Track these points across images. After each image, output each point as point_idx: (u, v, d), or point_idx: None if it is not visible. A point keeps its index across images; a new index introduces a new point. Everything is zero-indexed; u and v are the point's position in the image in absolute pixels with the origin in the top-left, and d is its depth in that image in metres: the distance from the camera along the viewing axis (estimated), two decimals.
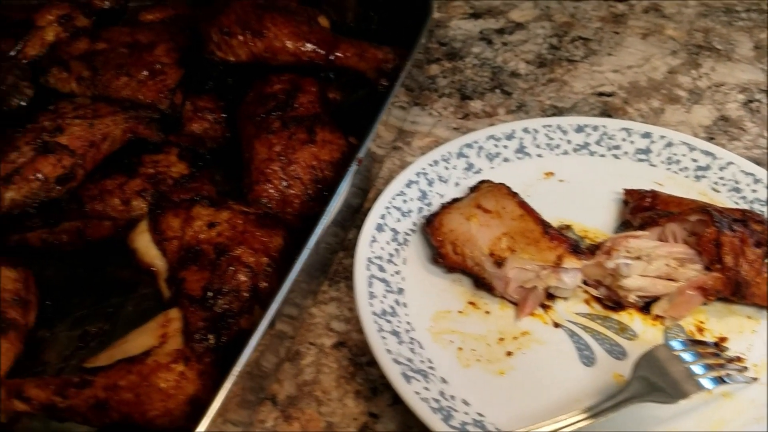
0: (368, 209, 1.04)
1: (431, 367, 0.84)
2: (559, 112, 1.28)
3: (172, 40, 1.15)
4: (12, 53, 1.10)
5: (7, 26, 1.18)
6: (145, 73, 1.08)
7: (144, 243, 0.88)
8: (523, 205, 0.96)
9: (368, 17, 1.40)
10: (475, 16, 1.56)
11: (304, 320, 0.94)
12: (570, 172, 1.11)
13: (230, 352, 0.78)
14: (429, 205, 1.05)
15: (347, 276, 1.00)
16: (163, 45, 1.12)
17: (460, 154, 1.11)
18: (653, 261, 0.90)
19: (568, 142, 1.14)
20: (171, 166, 1.04)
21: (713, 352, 0.83)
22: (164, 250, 0.86)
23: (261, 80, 1.13)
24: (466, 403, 0.80)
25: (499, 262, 0.91)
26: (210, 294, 0.81)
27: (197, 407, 0.75)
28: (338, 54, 1.10)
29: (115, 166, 1.01)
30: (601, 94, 1.32)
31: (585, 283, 0.93)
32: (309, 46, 1.09)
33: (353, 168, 0.94)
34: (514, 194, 0.98)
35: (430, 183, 1.07)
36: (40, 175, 0.91)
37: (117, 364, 0.74)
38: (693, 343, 0.83)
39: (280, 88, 1.11)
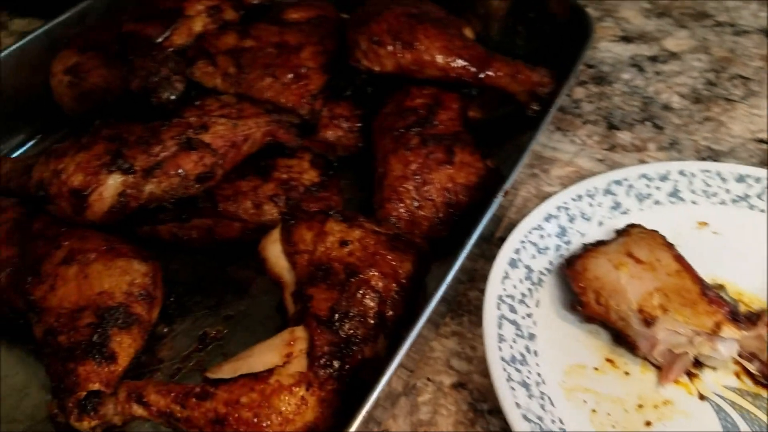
0: (500, 239, 0.98)
1: (563, 429, 0.77)
2: (715, 155, 1.17)
3: (320, 43, 1.13)
4: (159, 40, 1.11)
5: (156, 12, 1.20)
6: (290, 76, 1.06)
7: (275, 253, 0.86)
8: (680, 259, 0.87)
9: (515, 31, 1.33)
10: (626, 39, 1.46)
11: (424, 353, 0.89)
12: (726, 224, 1.00)
13: (353, 381, 0.75)
14: (568, 243, 0.97)
15: (471, 310, 0.94)
16: (311, 48, 1.10)
17: (608, 191, 1.02)
18: None
19: (727, 191, 1.02)
20: (303, 173, 1.02)
21: None
22: (294, 263, 0.84)
23: (401, 92, 1.09)
24: None
25: (649, 321, 0.82)
26: (337, 316, 0.77)
27: None
28: (489, 73, 1.04)
29: (250, 168, 1.00)
30: (761, 140, 1.19)
31: (739, 354, 0.83)
32: (460, 63, 1.04)
33: (498, 200, 0.88)
34: (670, 245, 0.89)
35: (572, 219, 0.99)
36: (181, 171, 0.91)
37: (240, 379, 0.72)
38: None
39: (421, 103, 1.07)
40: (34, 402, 0.84)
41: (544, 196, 1.10)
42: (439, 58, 1.03)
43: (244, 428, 0.70)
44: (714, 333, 0.80)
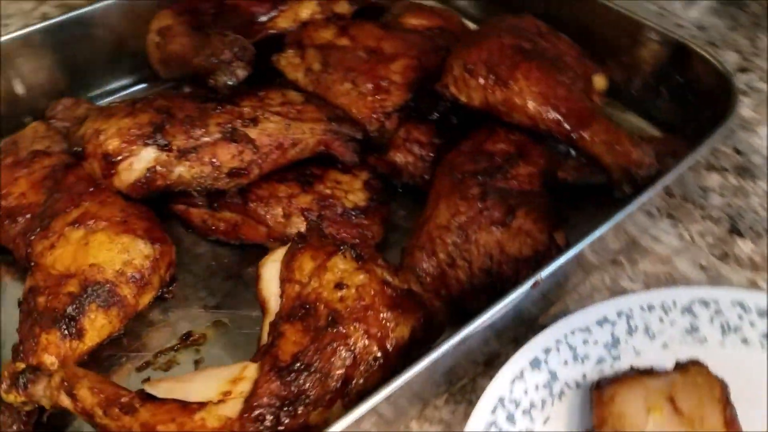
0: (541, 326, 0.83)
1: None
2: None
3: (416, 57, 1.03)
4: (263, 19, 1.07)
5: None
6: (370, 86, 0.98)
7: (271, 274, 0.79)
8: (731, 424, 0.68)
9: (657, 91, 1.14)
10: None
11: (396, 430, 0.78)
12: None
13: None
14: (616, 359, 0.81)
15: (472, 400, 0.81)
16: (404, 61, 1.01)
17: (688, 310, 0.83)
18: None
19: None
20: (350, 193, 0.94)
21: None
22: (283, 291, 0.76)
23: (486, 130, 0.97)
24: None
25: None
26: (297, 366, 0.69)
27: None
28: (584, 135, 0.88)
29: (295, 173, 0.94)
30: None
31: None
32: (553, 115, 0.89)
33: (525, 289, 0.74)
34: (728, 404, 0.70)
35: (631, 331, 0.82)
36: (215, 161, 0.87)
37: (168, 403, 0.67)
38: None
39: (501, 149, 0.94)
40: (7, 353, 0.83)
41: (617, 292, 0.93)
42: (531, 105, 0.90)
43: None
44: None
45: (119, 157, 0.85)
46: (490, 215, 0.86)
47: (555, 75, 0.93)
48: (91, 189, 0.88)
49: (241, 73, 0.88)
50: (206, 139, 0.87)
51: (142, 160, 0.86)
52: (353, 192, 0.95)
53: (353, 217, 0.92)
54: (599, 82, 1.08)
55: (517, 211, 0.87)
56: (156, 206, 0.93)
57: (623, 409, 0.71)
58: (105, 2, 1.14)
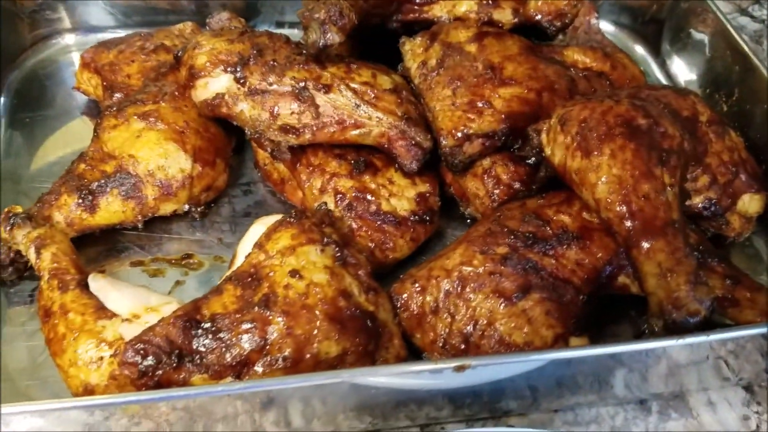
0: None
1: None
2: None
3: (538, 91, 0.92)
4: (420, 0, 1.03)
5: None
6: (466, 101, 0.90)
7: (254, 234, 0.79)
8: None
9: None
10: None
11: None
12: None
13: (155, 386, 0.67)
14: None
15: None
16: (517, 89, 0.91)
17: None
18: None
19: None
20: (393, 198, 0.89)
21: None
22: (250, 254, 0.76)
23: (565, 196, 0.85)
24: None
25: None
26: (208, 325, 0.68)
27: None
28: (642, 244, 0.73)
29: (355, 153, 0.91)
30: None
31: None
32: (620, 208, 0.74)
33: (449, 366, 0.64)
34: None
35: None
36: (274, 110, 0.87)
37: (90, 298, 0.72)
38: None
39: (562, 222, 0.81)
40: None
41: None
42: (602, 187, 0.76)
43: (51, 336, 0.70)
44: None
45: (201, 74, 0.89)
46: (499, 282, 0.76)
47: (651, 166, 0.77)
48: (176, 93, 0.93)
49: (332, 37, 0.86)
50: (276, 87, 0.87)
51: (216, 84, 0.89)
52: (399, 198, 0.89)
53: (382, 222, 0.87)
54: (751, 204, 0.89)
55: (532, 292, 0.76)
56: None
57: None
58: None
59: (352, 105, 0.87)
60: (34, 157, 1.00)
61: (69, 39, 1.20)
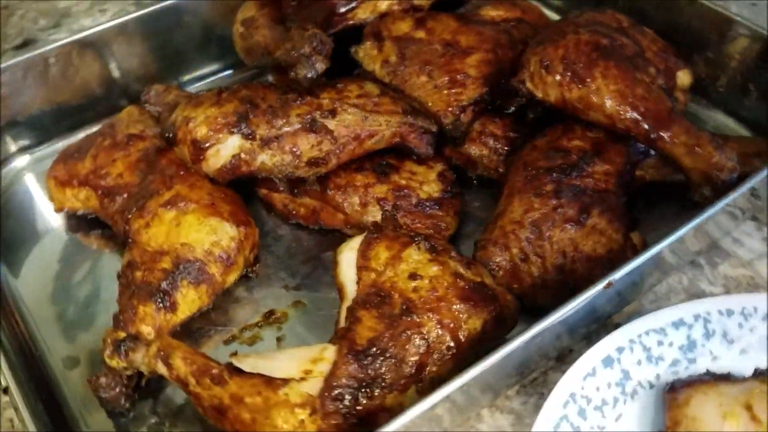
0: (615, 325, 0.83)
1: None
2: None
3: (492, 51, 1.03)
4: (342, 10, 1.10)
5: None
6: (446, 79, 0.99)
7: (348, 261, 0.82)
8: None
9: (746, 89, 1.11)
10: None
11: (468, 418, 0.80)
12: None
13: (361, 424, 0.70)
14: (692, 362, 0.80)
15: (543, 393, 0.82)
16: (479, 55, 1.02)
17: None
18: None
19: None
20: (424, 184, 0.96)
21: None
22: (359, 278, 0.79)
23: (563, 127, 0.97)
24: None
25: None
26: (373, 350, 0.72)
27: None
28: (663, 135, 0.87)
29: (373, 162, 0.97)
30: None
31: None
32: (631, 115, 0.88)
33: (598, 289, 0.74)
34: None
35: (708, 335, 0.81)
36: (296, 150, 0.90)
37: (255, 377, 0.71)
38: None
39: (577, 146, 0.93)
40: (109, 319, 0.89)
41: (695, 294, 0.92)
42: (609, 104, 0.89)
43: (239, 427, 0.69)
44: None
45: (207, 144, 0.89)
46: (564, 213, 0.87)
47: (634, 73, 0.92)
48: (182, 172, 0.93)
49: (320, 66, 0.91)
50: (287, 129, 0.90)
51: (228, 147, 0.90)
52: (428, 183, 0.96)
53: (427, 208, 0.94)
54: (684, 78, 1.05)
55: (591, 209, 0.87)
56: (240, 190, 0.98)
57: (698, 414, 0.71)
58: None
59: (360, 119, 0.93)
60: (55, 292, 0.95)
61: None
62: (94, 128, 1.07)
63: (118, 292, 0.85)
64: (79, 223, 1.02)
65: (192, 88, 1.24)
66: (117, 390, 0.78)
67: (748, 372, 0.76)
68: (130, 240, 0.87)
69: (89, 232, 1.02)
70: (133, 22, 1.17)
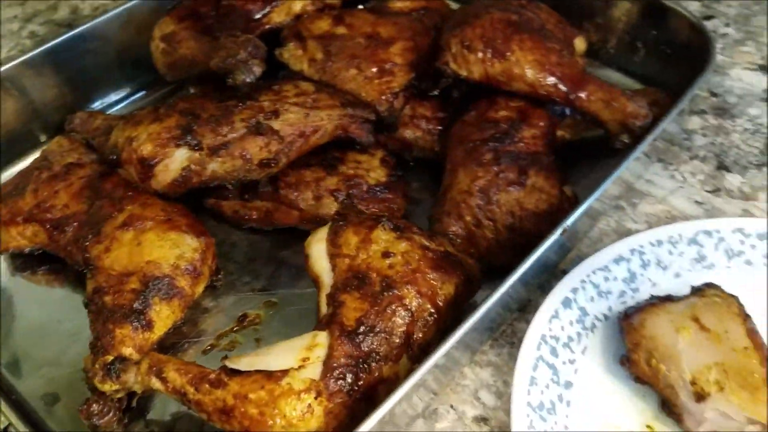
0: (563, 272, 0.91)
1: None
2: None
3: (411, 39, 1.09)
4: (257, 16, 1.13)
5: None
6: (375, 70, 1.04)
7: (318, 252, 0.85)
8: (752, 334, 0.77)
9: (634, 47, 1.23)
10: (765, 69, 1.30)
11: (453, 377, 0.86)
12: None
13: (364, 398, 0.74)
14: (636, 291, 0.89)
15: (514, 342, 0.89)
16: (401, 43, 1.07)
17: (693, 241, 0.92)
18: None
19: None
20: (371, 171, 1.01)
21: None
22: (334, 266, 0.83)
23: (487, 101, 1.04)
24: None
25: (700, 396, 0.74)
26: (362, 329, 0.76)
27: None
28: (581, 95, 0.96)
29: (318, 159, 1.00)
30: None
31: None
32: (551, 80, 0.97)
33: (555, 237, 0.82)
34: (746, 317, 0.79)
35: (645, 265, 0.91)
36: (245, 154, 0.92)
37: (254, 374, 0.73)
38: None
39: (504, 116, 1.01)
40: (79, 350, 0.88)
41: (624, 233, 1.02)
42: (530, 73, 0.97)
43: (248, 423, 0.71)
44: None
45: (154, 161, 0.90)
46: (506, 177, 0.94)
47: (545, 43, 1.01)
48: (130, 193, 0.92)
49: (258, 69, 0.93)
50: (233, 135, 0.92)
51: (176, 161, 0.90)
52: (374, 170, 1.01)
53: (378, 193, 0.98)
54: (580, 44, 1.15)
55: (529, 171, 0.95)
56: (187, 204, 0.98)
57: (654, 332, 0.80)
58: (101, 18, 1.18)
59: (302, 116, 0.96)
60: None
61: None
62: (21, 166, 1.05)
63: (89, 320, 0.84)
64: (23, 262, 0.99)
65: (111, 113, 1.22)
66: (110, 415, 0.77)
67: (685, 292, 0.87)
68: (92, 267, 0.86)
69: (36, 270, 0.99)
70: (40, 56, 1.14)
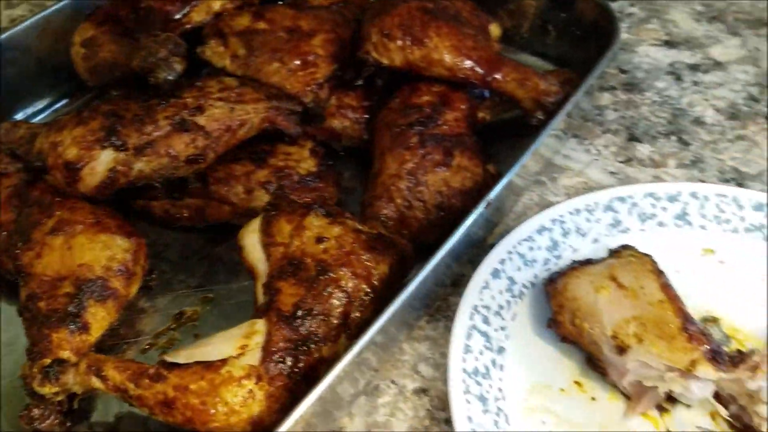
0: (491, 245, 0.95)
1: None
2: (740, 177, 1.10)
3: (333, 30, 1.12)
4: (177, 16, 1.13)
5: None
6: (298, 62, 1.06)
7: (252, 242, 0.86)
8: (666, 288, 0.82)
9: (545, 31, 1.29)
10: (669, 44, 1.38)
11: (392, 353, 0.89)
12: (734, 254, 0.95)
13: (305, 379, 0.76)
14: (558, 258, 0.94)
15: (449, 316, 0.93)
16: (323, 35, 1.09)
17: (609, 208, 0.98)
18: None
19: (742, 219, 0.97)
20: (301, 162, 1.02)
21: None
22: (269, 255, 0.84)
23: (410, 87, 1.07)
24: None
25: (621, 349, 0.79)
26: (300, 313, 0.78)
27: (259, 428, 0.73)
28: (497, 77, 1.01)
29: (247, 151, 1.01)
30: None
31: (716, 394, 0.79)
32: (468, 63, 1.01)
33: (479, 210, 0.86)
34: (660, 273, 0.84)
35: (566, 233, 0.96)
36: (171, 152, 0.92)
37: (193, 366, 0.74)
38: None
39: (427, 101, 1.05)
40: (16, 358, 0.87)
41: (546, 206, 1.07)
42: (448, 57, 1.01)
43: (191, 414, 0.72)
44: (688, 371, 0.76)
45: (80, 164, 0.89)
46: (433, 159, 0.97)
47: (461, 29, 1.05)
48: (58, 198, 0.91)
49: (179, 66, 0.94)
50: (158, 133, 0.92)
51: (102, 163, 0.90)
52: (303, 160, 1.03)
53: (309, 183, 1.00)
54: (495, 30, 1.20)
55: (453, 151, 0.99)
56: (118, 208, 0.98)
57: (575, 294, 0.84)
58: (18, 28, 1.16)
59: (227, 111, 0.97)
60: None
61: None
62: None
63: (24, 328, 0.83)
64: None
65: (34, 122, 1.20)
66: (51, 418, 0.77)
67: (603, 255, 0.92)
68: (24, 274, 0.85)
69: None
70: None
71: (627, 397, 0.81)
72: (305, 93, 1.04)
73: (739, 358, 0.78)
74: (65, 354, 0.80)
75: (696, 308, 0.88)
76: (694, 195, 0.99)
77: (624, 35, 1.40)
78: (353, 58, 1.08)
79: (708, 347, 0.76)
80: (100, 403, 0.84)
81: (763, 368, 0.75)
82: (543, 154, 1.11)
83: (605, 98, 1.26)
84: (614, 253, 0.90)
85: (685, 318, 0.79)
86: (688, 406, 0.80)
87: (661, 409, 0.80)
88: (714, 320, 0.89)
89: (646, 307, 0.81)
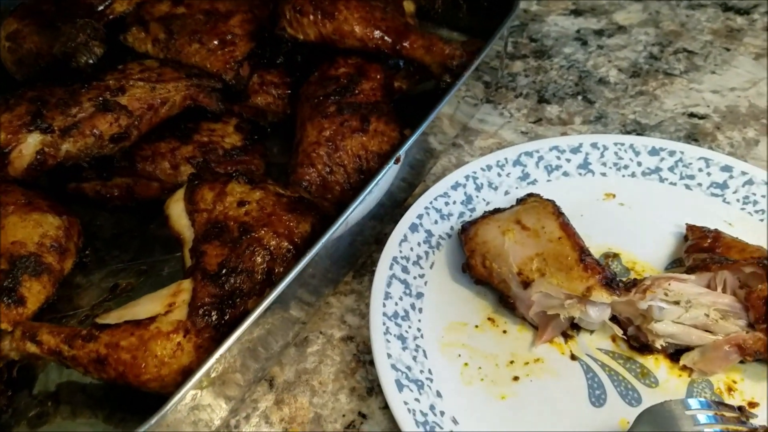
0: (411, 205, 1.02)
1: (429, 379, 0.82)
2: (641, 129, 1.19)
3: (250, 11, 1.16)
4: (101, 8, 1.16)
5: None
6: (216, 42, 1.10)
7: (177, 211, 0.91)
8: (564, 227, 0.90)
9: (457, 5, 1.36)
10: (576, 13, 1.47)
11: (320, 308, 0.94)
12: (633, 196, 1.03)
13: (232, 329, 0.80)
14: (473, 210, 1.01)
15: (373, 271, 0.98)
16: (240, 16, 1.14)
17: (517, 162, 1.05)
18: (693, 308, 0.82)
19: (639, 164, 1.05)
20: (225, 137, 1.07)
21: (736, 418, 0.74)
22: (193, 221, 0.89)
23: (328, 61, 1.13)
24: (455, 421, 0.78)
25: (526, 283, 0.86)
26: (224, 271, 0.82)
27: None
28: (405, 44, 1.07)
29: (172, 130, 1.05)
30: (692, 114, 1.21)
31: (616, 319, 0.87)
32: (377, 33, 1.07)
33: (390, 165, 0.92)
34: (560, 214, 0.92)
35: (479, 188, 1.03)
36: (96, 131, 0.96)
37: (123, 325, 0.78)
38: (715, 405, 0.75)
39: (344, 72, 1.10)
40: None
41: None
42: (358, 29, 1.07)
43: (123, 368, 0.76)
44: (585, 297, 0.83)
45: (8, 148, 0.92)
46: (350, 125, 1.03)
47: (368, 2, 1.11)
48: None
49: (98, 50, 0.98)
50: (82, 114, 0.96)
51: (29, 146, 0.93)
52: (228, 135, 1.08)
53: (235, 156, 1.05)
54: (408, 6, 1.27)
55: (370, 117, 1.04)
56: (50, 192, 1.01)
57: (485, 239, 0.91)
58: None
59: (149, 90, 1.01)
60: None
61: None
62: None
63: None
64: None
65: None
66: None
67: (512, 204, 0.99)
68: None
69: None
70: None
71: (535, 327, 0.88)
72: (225, 71, 1.09)
73: (632, 283, 0.86)
74: (3, 326, 0.83)
75: (598, 246, 0.96)
76: (594, 145, 1.07)
77: (534, 7, 1.48)
78: (272, 37, 1.13)
79: (602, 275, 0.84)
80: (41, 372, 0.87)
81: (653, 290, 0.83)
82: (459, 119, 1.18)
83: (517, 66, 1.34)
84: (521, 201, 0.97)
85: (582, 251, 0.87)
86: (591, 332, 0.88)
87: (566, 336, 0.88)
88: (615, 255, 0.97)
89: (546, 245, 0.88)
